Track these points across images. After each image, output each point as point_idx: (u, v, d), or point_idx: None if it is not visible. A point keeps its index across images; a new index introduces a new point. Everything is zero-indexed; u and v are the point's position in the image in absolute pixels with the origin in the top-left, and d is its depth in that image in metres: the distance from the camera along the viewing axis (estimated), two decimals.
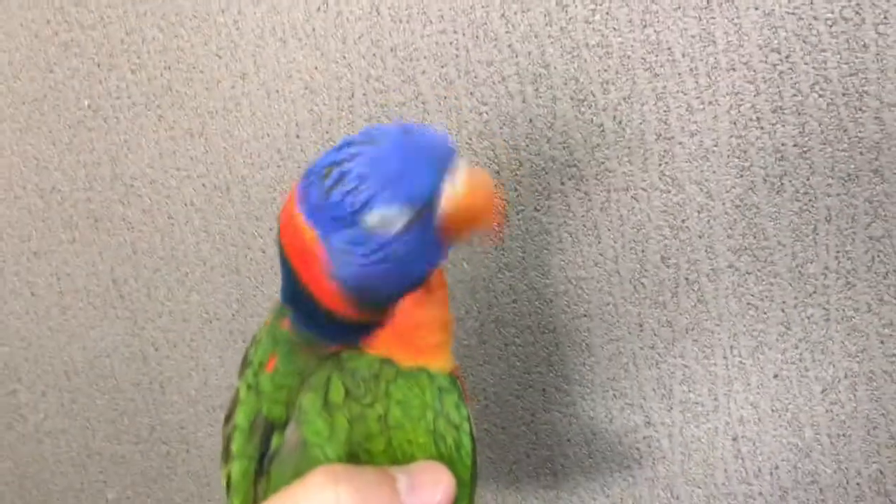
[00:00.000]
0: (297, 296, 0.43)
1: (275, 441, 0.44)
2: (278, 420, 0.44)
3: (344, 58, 0.65)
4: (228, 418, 0.48)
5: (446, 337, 0.45)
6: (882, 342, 0.55)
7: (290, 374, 0.45)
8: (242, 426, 0.45)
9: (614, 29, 0.57)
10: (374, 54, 0.64)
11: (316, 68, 0.66)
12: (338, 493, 0.37)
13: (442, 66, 0.62)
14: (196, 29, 0.69)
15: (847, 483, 0.58)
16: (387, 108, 0.65)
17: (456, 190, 0.39)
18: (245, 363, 0.48)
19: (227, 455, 0.46)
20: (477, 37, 0.61)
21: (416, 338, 0.44)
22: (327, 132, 0.67)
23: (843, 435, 0.58)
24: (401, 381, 0.43)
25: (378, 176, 0.38)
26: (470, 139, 0.63)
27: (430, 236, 0.40)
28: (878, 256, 0.54)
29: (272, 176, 0.69)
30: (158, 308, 0.76)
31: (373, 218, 0.38)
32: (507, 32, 0.60)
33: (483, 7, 0.60)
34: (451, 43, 0.62)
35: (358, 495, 0.37)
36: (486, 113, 0.62)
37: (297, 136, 0.68)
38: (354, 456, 0.42)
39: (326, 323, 0.43)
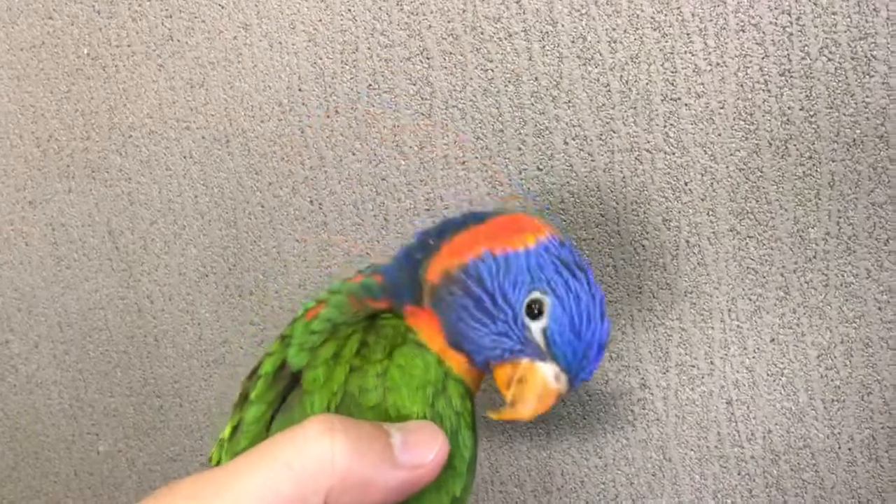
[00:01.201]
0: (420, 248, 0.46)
1: (292, 394, 0.44)
2: (299, 367, 0.44)
3: (349, 10, 0.64)
4: (252, 374, 0.48)
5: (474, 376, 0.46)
6: (880, 308, 0.56)
7: (326, 321, 0.45)
8: (267, 373, 0.45)
9: None
10: (379, 7, 0.63)
11: (320, 20, 0.65)
12: (333, 442, 0.37)
13: (448, 21, 0.62)
14: None
15: (839, 448, 0.59)
16: (391, 62, 0.64)
17: (544, 378, 0.42)
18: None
19: (241, 402, 0.46)
20: None
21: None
22: (330, 86, 0.66)
23: (837, 400, 0.58)
24: (412, 348, 0.43)
25: (578, 311, 0.42)
26: (474, 96, 0.62)
27: (507, 351, 0.42)
28: (880, 223, 0.55)
29: (273, 129, 0.69)
30: (154, 261, 0.76)
31: (543, 299, 0.42)
32: None
33: None
34: None
35: (352, 446, 0.37)
36: (492, 70, 0.62)
37: (300, 90, 0.67)
38: (344, 407, 0.42)
39: (411, 278, 0.45)
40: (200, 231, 0.74)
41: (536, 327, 0.41)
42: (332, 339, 0.44)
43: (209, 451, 0.77)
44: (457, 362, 0.44)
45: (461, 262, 0.43)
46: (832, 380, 0.58)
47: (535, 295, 0.41)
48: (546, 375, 0.41)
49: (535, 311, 0.41)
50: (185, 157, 0.73)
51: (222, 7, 0.68)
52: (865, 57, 0.53)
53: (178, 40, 0.70)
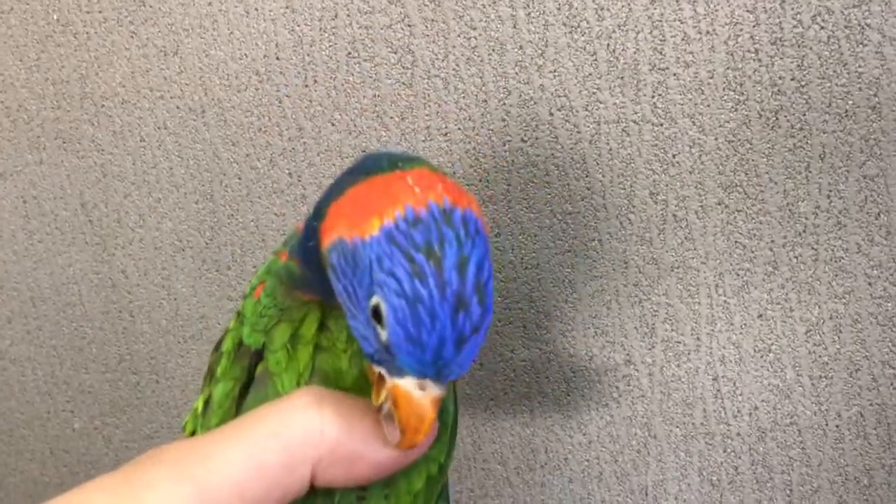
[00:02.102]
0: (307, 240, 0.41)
1: (259, 369, 0.42)
2: (256, 347, 0.43)
3: None
4: (217, 346, 0.47)
5: None
6: (870, 284, 0.55)
7: (272, 304, 0.44)
8: (228, 350, 0.44)
9: None
10: None
11: None
12: (321, 414, 0.36)
13: None
14: None
15: (826, 425, 0.58)
16: (371, 30, 0.62)
17: (406, 394, 0.36)
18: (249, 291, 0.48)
19: (209, 378, 0.45)
20: None
21: None
22: (308, 55, 0.64)
23: (825, 377, 0.57)
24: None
25: (415, 315, 0.34)
26: (457, 65, 0.60)
27: (377, 354, 0.37)
28: (871, 196, 0.53)
29: (249, 99, 0.67)
30: (129, 234, 0.74)
31: (379, 304, 0.35)
32: None
33: None
34: None
35: (342, 419, 0.36)
36: (475, 38, 0.60)
37: (277, 58, 0.65)
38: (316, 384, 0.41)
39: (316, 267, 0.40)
40: (176, 204, 0.72)
41: (381, 333, 0.35)
42: (285, 322, 0.42)
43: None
44: None
45: (327, 240, 0.38)
46: (820, 356, 0.57)
47: (374, 299, 0.35)
48: (407, 391, 0.36)
49: (376, 315, 0.35)
50: (159, 128, 0.70)
51: None
52: (859, 25, 0.51)
53: (151, 6, 0.67)
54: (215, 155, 0.69)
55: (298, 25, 0.64)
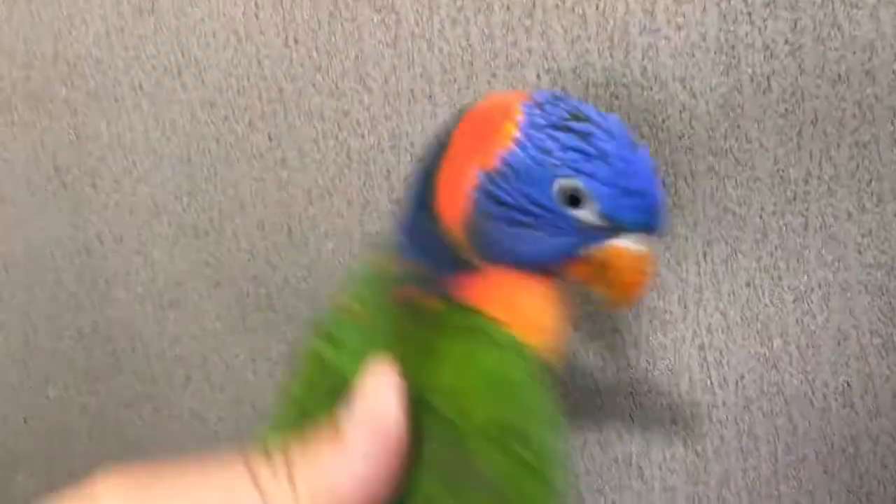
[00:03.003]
0: (420, 210, 0.38)
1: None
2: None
3: None
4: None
5: (547, 326, 0.39)
6: (859, 252, 0.54)
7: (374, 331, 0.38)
8: (326, 390, 0.37)
9: None
10: None
11: None
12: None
13: None
14: None
15: (813, 394, 0.57)
16: None
17: (629, 252, 0.36)
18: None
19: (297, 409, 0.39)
20: None
21: (512, 296, 0.38)
22: (289, 13, 0.62)
23: (812, 346, 0.57)
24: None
25: (613, 169, 0.35)
26: (442, 26, 0.59)
27: (574, 248, 0.36)
28: (863, 163, 0.52)
29: (228, 59, 0.65)
30: (104, 199, 0.72)
31: (574, 185, 0.35)
32: None
33: None
34: None
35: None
36: None
37: (257, 17, 0.63)
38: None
39: (438, 244, 0.38)
40: (152, 168, 0.70)
41: (585, 213, 0.35)
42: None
43: (163, 397, 0.74)
44: (534, 327, 0.38)
45: (465, 200, 0.36)
46: (808, 325, 0.56)
47: (561, 184, 0.35)
48: (629, 249, 0.36)
49: (573, 199, 0.35)
50: (134, 89, 0.68)
51: None
52: None
53: None
54: (192, 117, 0.67)
55: None
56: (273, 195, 0.67)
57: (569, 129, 0.35)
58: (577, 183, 0.35)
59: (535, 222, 0.36)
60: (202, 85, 0.66)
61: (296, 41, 0.63)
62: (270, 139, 0.65)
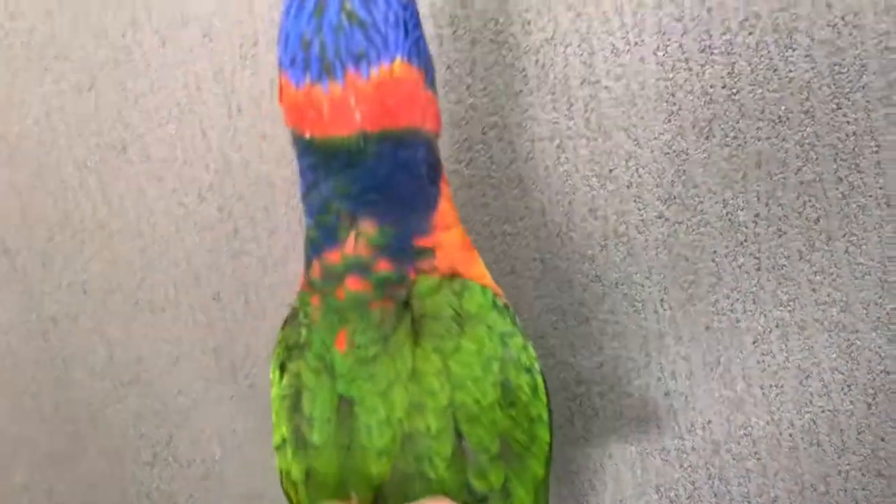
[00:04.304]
0: (404, 171, 0.39)
1: (361, 418, 0.40)
2: (357, 397, 0.40)
3: (244, 2, 0.60)
4: (294, 404, 0.42)
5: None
6: (813, 290, 0.54)
7: (372, 342, 0.40)
8: (323, 415, 0.41)
9: None
10: None
11: (213, 13, 0.60)
12: None
13: None
14: None
15: (780, 434, 0.57)
16: None
17: None
18: (290, 347, 0.43)
19: (301, 443, 0.41)
20: None
21: (465, 242, 0.42)
22: (230, 83, 0.62)
23: (776, 385, 0.56)
24: (466, 338, 0.40)
25: None
26: None
27: None
28: (809, 201, 0.53)
29: (172, 133, 0.64)
30: (55, 279, 0.71)
31: None
32: None
33: None
34: None
35: None
36: None
37: (198, 88, 0.63)
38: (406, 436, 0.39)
39: (432, 169, 0.40)
40: (103, 245, 0.69)
41: None
42: (385, 360, 0.40)
43: (129, 476, 0.72)
44: (484, 273, 0.43)
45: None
46: (769, 365, 0.56)
47: None
48: None
49: None
50: (79, 167, 0.67)
51: (106, 4, 0.63)
52: (787, 29, 0.50)
53: (62, 41, 0.64)
54: (140, 192, 0.66)
55: (217, 54, 0.61)
56: (228, 266, 0.66)
57: None
58: None
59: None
60: (148, 159, 0.65)
61: (239, 110, 0.62)
62: (220, 210, 0.65)
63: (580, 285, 0.58)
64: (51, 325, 0.72)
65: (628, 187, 0.56)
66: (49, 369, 0.74)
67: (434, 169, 0.40)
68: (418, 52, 0.38)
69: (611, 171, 0.56)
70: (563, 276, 0.59)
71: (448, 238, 0.41)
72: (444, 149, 0.58)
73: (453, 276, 0.41)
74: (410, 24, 0.38)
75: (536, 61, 0.55)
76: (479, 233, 0.59)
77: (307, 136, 0.38)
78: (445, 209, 0.41)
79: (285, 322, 0.44)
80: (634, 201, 0.56)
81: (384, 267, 0.40)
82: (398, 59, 0.37)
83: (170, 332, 0.69)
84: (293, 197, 0.63)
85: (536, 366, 0.42)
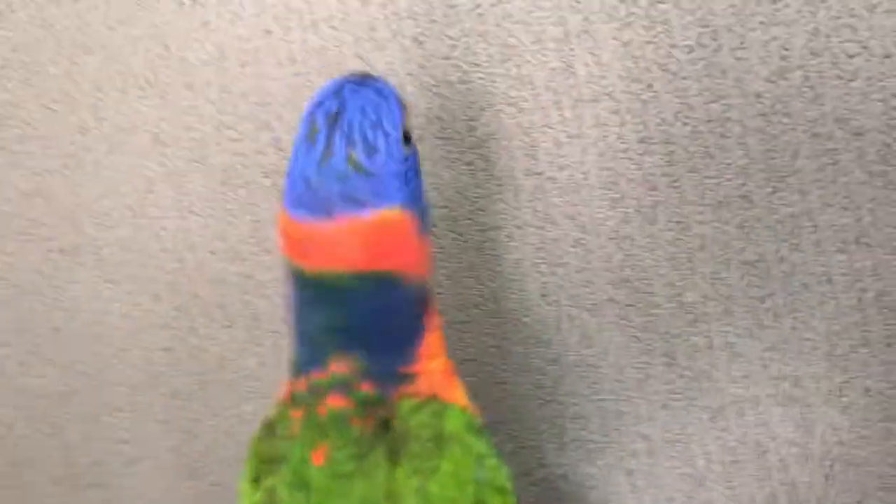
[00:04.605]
0: (390, 311, 0.41)
1: None
2: None
3: (192, 107, 0.60)
4: None
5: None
6: (765, 366, 0.55)
7: (348, 459, 0.41)
8: None
9: (474, 64, 0.55)
10: (224, 100, 0.60)
11: (162, 119, 0.61)
12: None
13: (298, 111, 0.59)
14: (25, 81, 0.63)
15: None
16: (244, 156, 0.61)
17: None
18: (265, 461, 0.43)
19: None
20: (331, 76, 0.58)
21: (448, 368, 0.44)
22: (181, 186, 0.62)
23: (735, 461, 0.57)
24: (444, 459, 0.41)
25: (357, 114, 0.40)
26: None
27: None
28: (754, 281, 0.54)
29: (125, 236, 0.64)
30: (10, 385, 0.70)
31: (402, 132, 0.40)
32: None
33: (335, 46, 0.57)
34: (305, 85, 0.58)
35: None
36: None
37: (150, 192, 0.63)
38: None
39: (420, 310, 0.42)
40: (58, 349, 0.68)
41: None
42: (360, 478, 0.41)
43: None
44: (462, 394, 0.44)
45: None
46: (727, 441, 0.57)
47: None
48: None
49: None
50: (31, 272, 0.67)
51: (54, 111, 0.63)
52: (720, 118, 0.52)
53: (10, 149, 0.65)
54: (95, 295, 0.66)
55: (167, 158, 0.62)
56: (185, 364, 0.66)
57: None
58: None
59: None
60: (101, 262, 0.65)
61: (191, 212, 0.62)
62: (177, 309, 0.65)
63: (538, 369, 0.59)
64: (5, 430, 0.71)
65: (578, 272, 0.57)
66: (4, 475, 0.72)
67: (423, 306, 0.42)
68: (414, 200, 0.41)
69: (560, 257, 0.57)
70: (521, 360, 0.59)
71: (432, 366, 0.43)
72: None
73: (434, 398, 0.42)
74: (409, 174, 0.41)
75: (481, 155, 0.56)
76: None
77: (302, 268, 0.40)
78: (432, 340, 0.43)
79: (261, 435, 0.45)
80: (585, 286, 0.57)
81: (367, 388, 0.42)
82: (396, 206, 0.39)
83: (128, 432, 0.68)
84: (248, 293, 0.63)
85: (509, 486, 0.43)
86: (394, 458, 0.41)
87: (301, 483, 0.42)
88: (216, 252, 0.63)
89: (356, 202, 0.39)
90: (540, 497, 0.61)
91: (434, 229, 0.58)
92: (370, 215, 0.39)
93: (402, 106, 0.41)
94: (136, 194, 0.63)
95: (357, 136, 0.39)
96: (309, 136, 0.40)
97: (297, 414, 0.43)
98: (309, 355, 0.42)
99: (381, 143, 0.39)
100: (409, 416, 0.42)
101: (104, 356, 0.67)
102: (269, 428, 0.44)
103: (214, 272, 0.63)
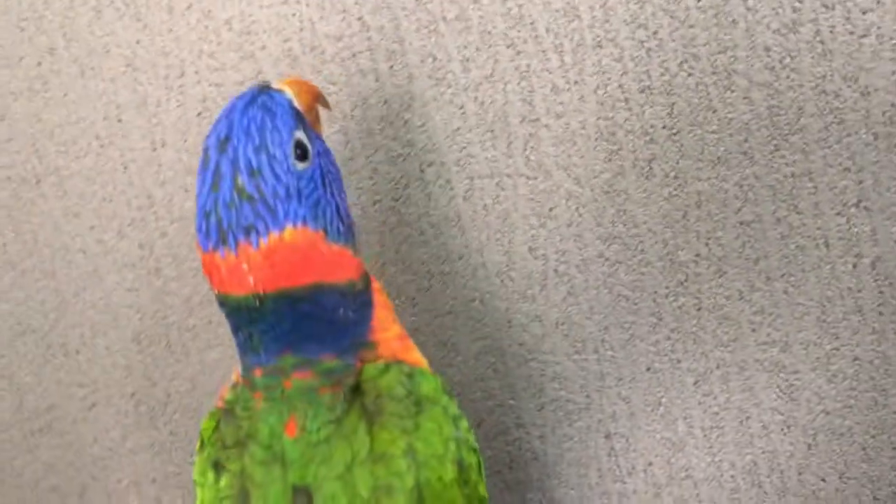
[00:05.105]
0: (311, 318, 0.41)
1: None
2: (313, 484, 0.40)
3: (170, 30, 0.57)
4: (240, 499, 0.42)
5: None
6: (753, 330, 0.54)
7: (323, 425, 0.41)
8: None
9: (473, 1, 0.53)
10: (205, 27, 0.56)
11: (138, 42, 0.58)
12: None
13: (285, 41, 0.56)
14: None
15: (721, 476, 0.56)
16: (223, 87, 0.57)
17: (287, 84, 0.43)
18: (226, 446, 0.42)
19: None
20: (323, 8, 0.55)
21: (403, 334, 0.45)
22: (154, 115, 0.59)
23: (716, 427, 0.56)
24: (424, 418, 0.42)
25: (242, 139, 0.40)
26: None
27: (313, 134, 0.42)
28: (749, 242, 0.53)
29: (90, 166, 0.61)
30: None
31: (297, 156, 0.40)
32: (356, 4, 0.54)
33: None
34: (293, 14, 0.55)
35: None
36: (336, 93, 0.56)
37: (119, 120, 0.59)
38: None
39: (350, 309, 0.42)
40: (13, 284, 0.64)
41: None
42: (339, 442, 0.41)
43: None
44: (419, 356, 0.45)
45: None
46: (710, 406, 0.56)
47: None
48: None
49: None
50: None
51: (22, 30, 0.59)
52: (726, 71, 0.50)
53: None
54: (56, 228, 0.62)
55: (141, 85, 0.58)
56: (149, 306, 0.62)
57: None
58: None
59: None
60: (64, 194, 0.62)
61: (163, 144, 0.59)
62: (142, 247, 0.61)
63: (520, 325, 0.57)
64: None
65: (568, 226, 0.55)
66: None
67: (356, 302, 0.42)
68: (316, 214, 0.41)
69: (551, 209, 0.55)
70: (503, 316, 0.57)
71: (387, 335, 0.44)
72: (381, 185, 0.56)
73: (398, 361, 0.43)
74: (306, 190, 0.41)
75: (475, 98, 0.54)
76: (416, 272, 0.57)
77: (217, 291, 0.41)
78: (381, 316, 0.44)
79: (215, 422, 0.44)
80: (574, 240, 0.55)
81: (328, 359, 0.42)
82: (288, 227, 0.40)
83: (86, 376, 0.65)
84: None
85: (477, 447, 0.45)
86: (371, 419, 0.41)
87: (275, 458, 0.41)
88: (188, 189, 0.60)
89: (247, 230, 0.39)
90: (516, 457, 0.59)
91: (420, 174, 0.56)
92: (266, 241, 0.39)
93: (295, 119, 0.41)
94: (105, 122, 0.60)
95: (242, 163, 0.39)
96: (204, 165, 0.40)
97: (257, 395, 0.42)
98: (256, 358, 0.42)
99: (265, 166, 0.39)
100: (377, 378, 0.42)
101: (62, 294, 0.64)
102: (227, 412, 0.43)
103: (184, 210, 0.60)
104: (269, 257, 0.39)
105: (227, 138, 0.40)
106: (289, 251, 0.40)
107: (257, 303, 0.40)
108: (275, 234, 0.39)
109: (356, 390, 0.42)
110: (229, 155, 0.39)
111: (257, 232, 0.39)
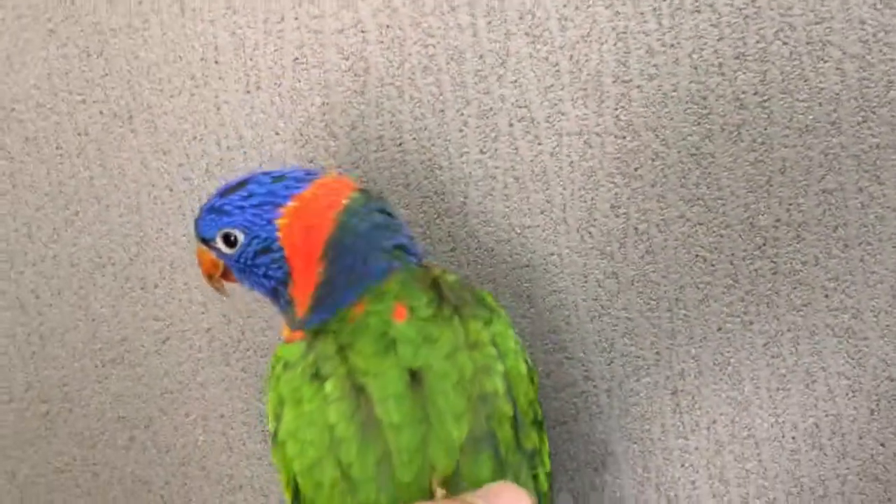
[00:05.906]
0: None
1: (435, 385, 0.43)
2: (424, 365, 0.43)
3: None
4: (355, 401, 0.43)
5: None
6: (826, 296, 0.56)
7: (427, 306, 0.45)
8: (397, 392, 0.42)
9: None
10: None
11: None
12: None
13: None
14: None
15: (783, 437, 0.58)
16: (321, 34, 0.59)
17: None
18: (323, 358, 0.44)
19: (373, 430, 0.42)
20: None
21: None
22: (251, 59, 0.60)
23: (782, 388, 0.58)
24: (495, 318, 0.47)
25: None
26: (413, 74, 0.58)
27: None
28: (829, 210, 0.54)
29: (183, 105, 0.62)
30: (41, 251, 0.68)
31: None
32: None
33: None
34: None
35: None
36: (433, 46, 0.58)
37: (216, 62, 0.61)
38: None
39: None
40: (97, 217, 0.66)
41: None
42: (442, 326, 0.44)
43: (101, 460, 0.69)
44: None
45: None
46: (778, 368, 0.57)
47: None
48: None
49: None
50: (79, 134, 0.65)
51: None
52: (820, 42, 0.52)
53: (74, 2, 0.62)
54: (143, 164, 0.64)
55: (240, 28, 0.60)
56: None
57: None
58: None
59: None
60: (155, 131, 0.63)
61: (258, 87, 0.61)
62: None
63: (595, 281, 0.59)
64: (31, 297, 0.69)
65: (652, 186, 0.56)
66: (24, 345, 0.70)
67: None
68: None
69: (636, 169, 0.56)
70: (580, 271, 0.59)
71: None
72: (470, 138, 0.58)
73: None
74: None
75: (571, 57, 0.56)
76: (498, 224, 0.59)
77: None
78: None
79: (304, 345, 0.46)
80: (657, 200, 0.57)
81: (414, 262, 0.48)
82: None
83: (162, 310, 0.67)
84: None
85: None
86: (458, 311, 0.45)
87: (387, 347, 0.43)
88: (279, 132, 0.61)
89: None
90: (581, 410, 0.61)
91: (510, 129, 0.57)
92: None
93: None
94: (202, 63, 0.61)
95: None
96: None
97: (359, 307, 0.45)
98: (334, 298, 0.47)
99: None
100: (446, 277, 0.47)
101: (144, 229, 0.65)
102: (316, 333, 0.46)
103: (275, 152, 0.62)
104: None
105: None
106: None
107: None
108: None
109: (435, 285, 0.46)
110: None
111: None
